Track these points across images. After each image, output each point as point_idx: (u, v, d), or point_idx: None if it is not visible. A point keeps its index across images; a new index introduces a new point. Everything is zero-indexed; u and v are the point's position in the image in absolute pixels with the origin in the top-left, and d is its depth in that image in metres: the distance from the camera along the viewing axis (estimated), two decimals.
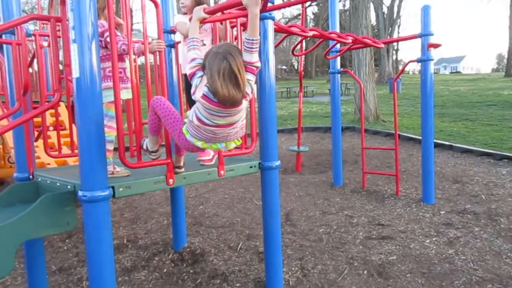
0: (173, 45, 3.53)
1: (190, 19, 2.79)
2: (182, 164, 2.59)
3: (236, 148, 2.99)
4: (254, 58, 2.09)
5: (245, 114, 2.29)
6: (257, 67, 2.12)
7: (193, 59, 2.14)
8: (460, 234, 3.93)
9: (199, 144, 2.23)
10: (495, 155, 6.99)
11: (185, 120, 2.28)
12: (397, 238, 3.91)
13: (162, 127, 2.45)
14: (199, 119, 2.13)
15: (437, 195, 5.17)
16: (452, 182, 5.78)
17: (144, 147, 2.49)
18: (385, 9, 36.94)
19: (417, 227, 4.17)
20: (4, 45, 2.70)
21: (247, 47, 2.08)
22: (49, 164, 4.22)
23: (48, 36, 3.53)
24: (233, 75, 1.96)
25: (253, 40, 2.07)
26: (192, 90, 2.12)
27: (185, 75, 2.75)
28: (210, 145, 2.26)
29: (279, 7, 2.52)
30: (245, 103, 2.15)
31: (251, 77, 2.11)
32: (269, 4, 2.66)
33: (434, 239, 3.86)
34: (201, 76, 2.10)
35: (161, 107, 2.31)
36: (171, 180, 2.48)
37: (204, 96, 2.04)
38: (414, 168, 6.66)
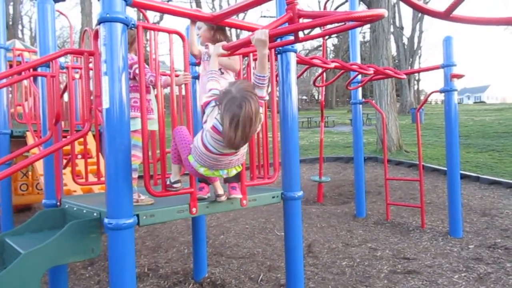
0: (197, 77, 3.64)
1: (206, 48, 2.92)
2: (221, 192, 2.63)
3: (258, 177, 3.01)
4: (263, 93, 2.21)
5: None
6: (265, 101, 2.31)
7: (210, 89, 2.28)
8: (491, 270, 3.76)
9: (202, 170, 2.28)
10: None
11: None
12: (424, 273, 3.77)
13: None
14: (205, 146, 2.17)
15: (465, 228, 5.00)
16: (480, 215, 5.59)
17: (168, 182, 2.53)
18: (405, 40, 37.07)
19: (445, 262, 4.02)
20: (39, 77, 2.84)
21: (258, 83, 2.19)
22: (75, 191, 4.30)
23: (79, 68, 3.70)
24: (245, 123, 1.96)
25: (262, 76, 2.18)
26: (203, 119, 2.22)
27: None
28: (213, 172, 2.30)
29: (302, 40, 2.58)
30: None
31: (260, 110, 2.18)
32: (292, 38, 2.73)
33: (463, 274, 3.71)
34: (214, 106, 2.15)
35: (179, 135, 2.43)
36: (194, 209, 2.50)
37: (213, 127, 2.10)
38: (439, 200, 6.49)
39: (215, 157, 2.20)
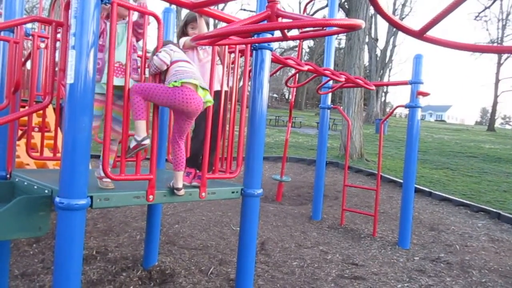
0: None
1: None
2: (180, 185, 2.57)
3: (220, 171, 3.00)
4: None
5: None
6: None
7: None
8: (432, 283, 3.94)
9: (194, 81, 2.42)
10: (473, 206, 7.11)
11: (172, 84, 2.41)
12: (370, 279, 3.90)
13: (148, 107, 2.45)
14: (184, 62, 2.55)
15: (412, 240, 5.20)
16: (428, 229, 5.84)
17: (134, 144, 2.36)
18: (378, 52, 38.03)
19: (390, 271, 4.17)
20: (1, 42, 2.69)
21: None
22: (28, 164, 4.12)
23: (46, 38, 3.53)
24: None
25: None
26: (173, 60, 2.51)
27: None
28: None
29: (280, 40, 2.58)
30: None
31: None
32: (269, 36, 2.73)
33: (406, 284, 3.86)
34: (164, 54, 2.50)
35: (146, 87, 2.39)
36: (151, 197, 2.45)
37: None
38: (392, 211, 6.72)
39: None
